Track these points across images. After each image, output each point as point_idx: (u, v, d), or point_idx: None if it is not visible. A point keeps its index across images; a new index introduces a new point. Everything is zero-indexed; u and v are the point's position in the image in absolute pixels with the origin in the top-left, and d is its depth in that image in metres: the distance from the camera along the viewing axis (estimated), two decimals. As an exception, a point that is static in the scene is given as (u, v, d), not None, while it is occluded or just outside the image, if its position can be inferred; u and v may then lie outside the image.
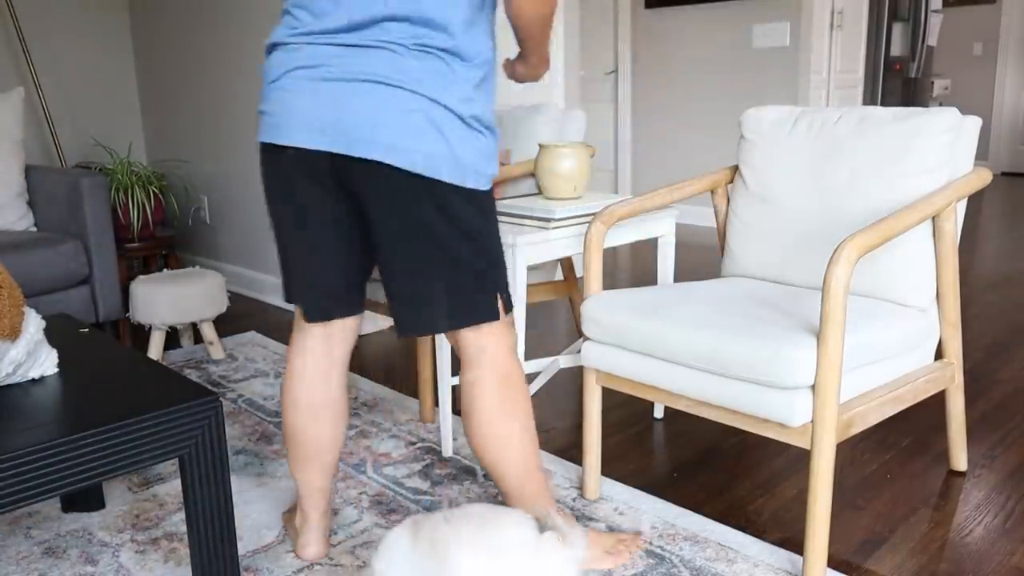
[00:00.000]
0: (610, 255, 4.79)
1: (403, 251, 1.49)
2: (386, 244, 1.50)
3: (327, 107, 1.41)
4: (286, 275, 1.61)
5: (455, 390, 2.70)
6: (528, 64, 1.66)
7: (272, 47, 1.49)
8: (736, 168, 2.16)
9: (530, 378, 2.87)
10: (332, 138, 1.42)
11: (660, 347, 1.69)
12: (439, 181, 1.44)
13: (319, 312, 1.61)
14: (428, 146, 1.41)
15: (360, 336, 3.34)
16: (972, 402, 2.50)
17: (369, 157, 1.41)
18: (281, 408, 1.67)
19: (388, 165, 1.42)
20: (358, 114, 1.40)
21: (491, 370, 1.56)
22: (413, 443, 2.30)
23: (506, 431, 1.57)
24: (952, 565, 1.68)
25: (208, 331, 3.02)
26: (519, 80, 1.74)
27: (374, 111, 1.40)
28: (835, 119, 1.97)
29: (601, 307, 1.82)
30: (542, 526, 1.32)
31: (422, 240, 1.47)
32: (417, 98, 1.41)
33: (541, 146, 2.13)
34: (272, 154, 1.50)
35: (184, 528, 1.88)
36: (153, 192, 3.70)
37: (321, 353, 1.64)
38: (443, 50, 1.41)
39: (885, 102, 5.80)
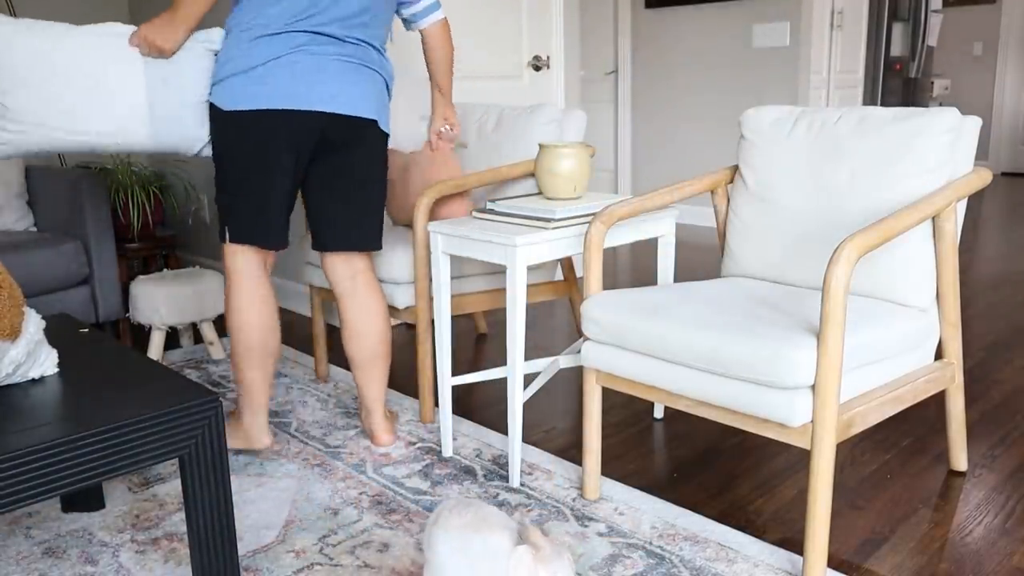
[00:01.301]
0: (610, 255, 4.79)
1: (369, 188, 2.12)
2: (343, 182, 2.09)
3: (335, 79, 1.94)
4: (257, 217, 2.03)
5: (455, 390, 2.70)
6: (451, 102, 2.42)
7: (263, 35, 1.90)
8: (736, 168, 2.16)
9: (530, 378, 2.88)
10: (341, 103, 1.96)
11: (660, 347, 1.69)
12: (387, 135, 2.14)
13: (283, 241, 2.09)
14: (385, 112, 2.10)
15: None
16: (972, 402, 2.50)
17: (368, 116, 2.02)
18: (235, 328, 2.08)
19: (375, 122, 2.06)
20: (359, 86, 1.99)
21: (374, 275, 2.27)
22: (413, 443, 2.30)
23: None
24: (952, 565, 1.68)
25: (208, 331, 3.02)
26: (453, 136, 2.48)
27: (366, 85, 2.01)
28: (835, 119, 1.97)
29: (601, 307, 1.82)
30: (520, 539, 1.34)
31: (380, 179, 2.15)
32: (380, 78, 2.07)
33: (541, 146, 2.13)
34: (273, 117, 1.92)
35: (184, 528, 1.88)
36: (153, 192, 3.71)
37: (264, 278, 2.11)
38: (382, 46, 2.09)
39: (885, 102, 5.80)
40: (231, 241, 2.06)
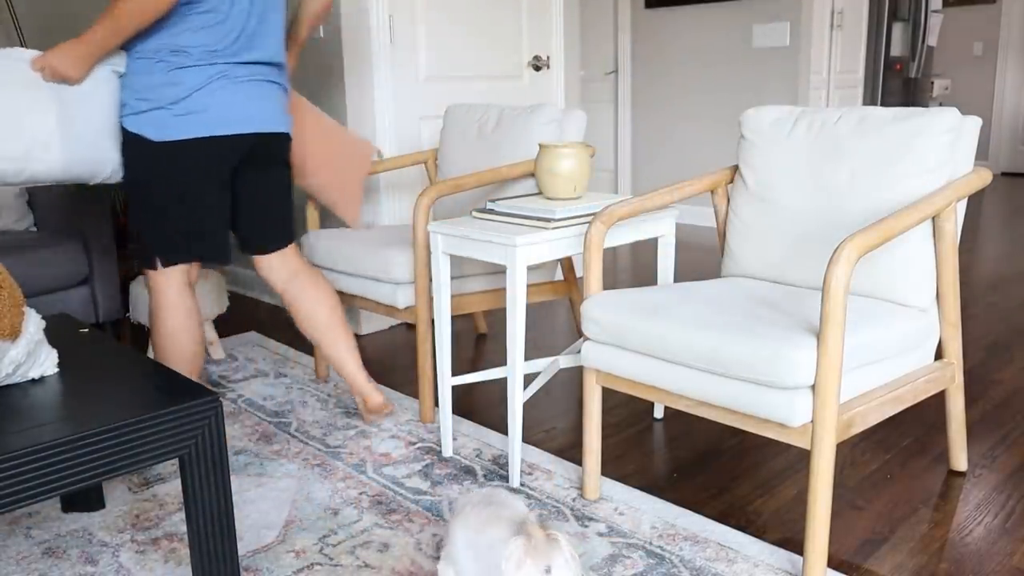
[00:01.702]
0: (610, 255, 4.79)
1: (285, 190, 2.27)
2: (272, 188, 2.23)
3: (254, 100, 2.05)
4: (197, 239, 2.12)
5: (455, 390, 2.70)
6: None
7: (184, 66, 1.96)
8: (736, 168, 2.16)
9: (530, 378, 2.87)
10: (263, 121, 2.08)
11: (660, 347, 1.69)
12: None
13: (229, 254, 2.19)
14: (290, 118, 2.21)
15: (360, 336, 3.34)
16: (972, 402, 2.50)
17: (284, 131, 2.17)
18: (171, 350, 2.14)
19: (287, 134, 2.20)
20: (272, 102, 2.11)
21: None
22: (413, 443, 2.30)
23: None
24: (952, 565, 1.68)
25: (208, 331, 3.02)
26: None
27: (276, 100, 2.12)
28: (835, 119, 1.97)
29: (601, 307, 1.82)
30: (517, 531, 1.35)
31: (290, 177, 2.32)
32: (282, 88, 2.17)
33: (541, 146, 2.13)
34: (208, 143, 2.01)
35: (184, 528, 1.88)
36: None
37: (192, 296, 2.19)
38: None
39: (885, 102, 5.80)
40: (165, 266, 2.12)
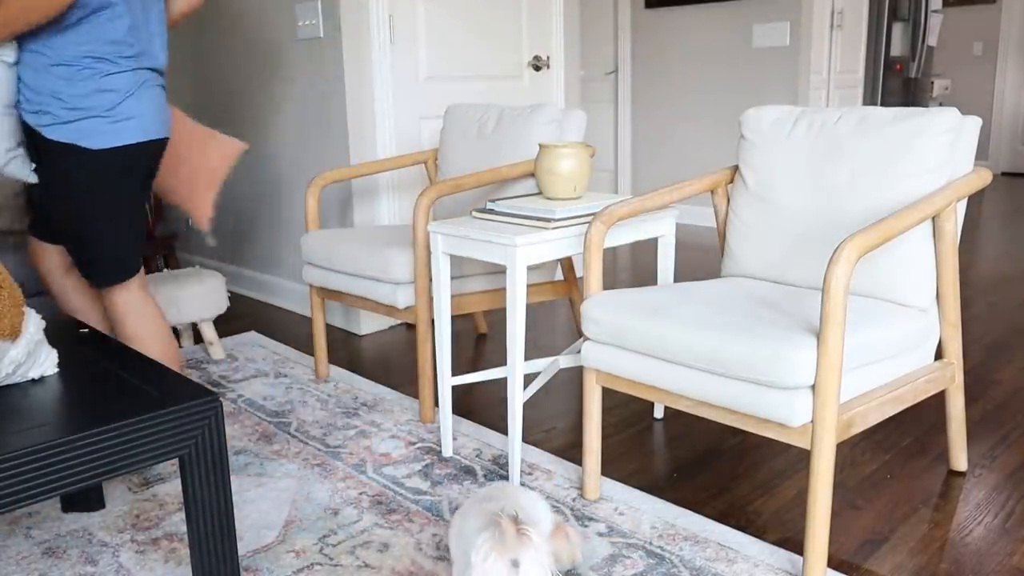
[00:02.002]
0: (610, 255, 4.79)
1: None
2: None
3: (163, 105, 2.07)
4: (135, 243, 2.08)
5: (455, 390, 2.70)
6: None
7: (111, 72, 1.94)
8: (736, 168, 2.16)
9: (530, 378, 2.87)
10: (169, 127, 2.09)
11: (660, 347, 1.69)
12: None
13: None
14: None
15: (359, 336, 3.34)
16: (972, 402, 2.50)
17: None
18: (132, 341, 2.07)
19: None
20: (167, 108, 2.10)
21: None
22: (413, 443, 2.30)
23: None
24: (952, 565, 1.68)
25: (208, 331, 3.02)
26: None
27: (167, 106, 2.11)
28: (835, 119, 1.97)
29: (601, 307, 1.82)
30: (488, 524, 1.36)
31: None
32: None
33: (541, 146, 2.13)
34: (144, 147, 2.00)
35: (184, 528, 1.88)
36: (153, 192, 3.70)
37: (148, 295, 2.14)
38: None
39: (885, 102, 5.80)
40: (133, 274, 2.07)
